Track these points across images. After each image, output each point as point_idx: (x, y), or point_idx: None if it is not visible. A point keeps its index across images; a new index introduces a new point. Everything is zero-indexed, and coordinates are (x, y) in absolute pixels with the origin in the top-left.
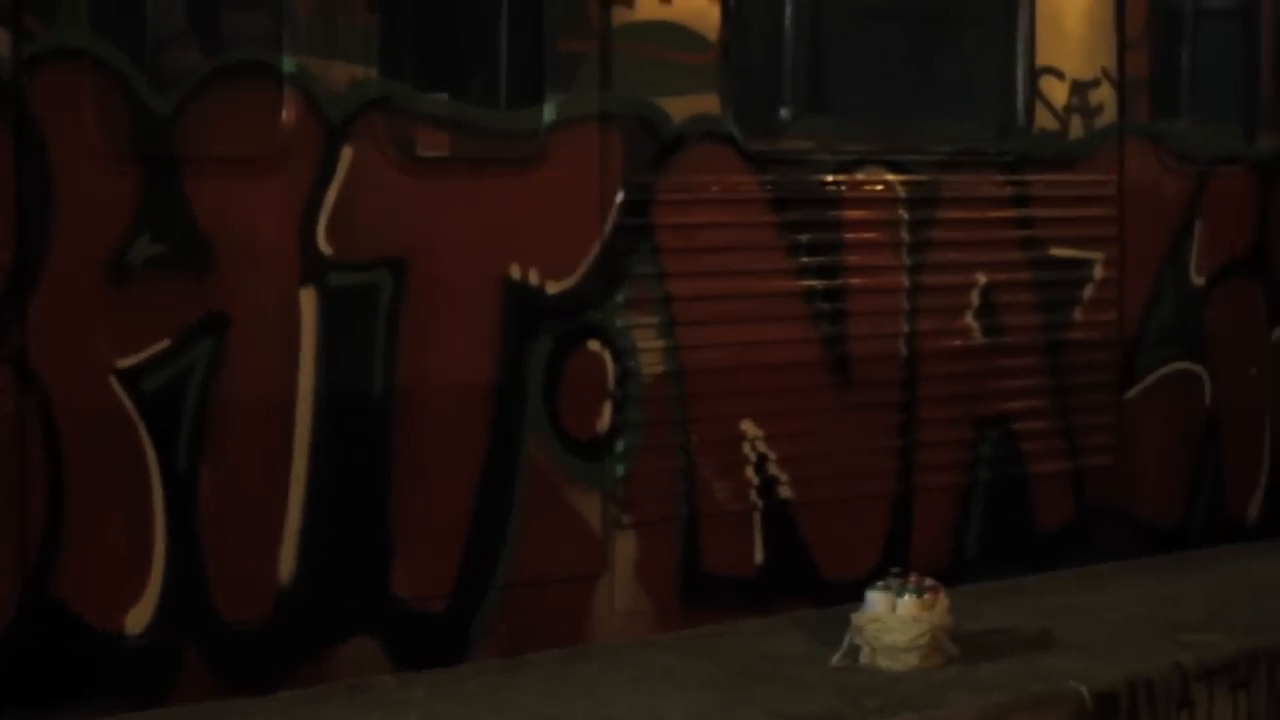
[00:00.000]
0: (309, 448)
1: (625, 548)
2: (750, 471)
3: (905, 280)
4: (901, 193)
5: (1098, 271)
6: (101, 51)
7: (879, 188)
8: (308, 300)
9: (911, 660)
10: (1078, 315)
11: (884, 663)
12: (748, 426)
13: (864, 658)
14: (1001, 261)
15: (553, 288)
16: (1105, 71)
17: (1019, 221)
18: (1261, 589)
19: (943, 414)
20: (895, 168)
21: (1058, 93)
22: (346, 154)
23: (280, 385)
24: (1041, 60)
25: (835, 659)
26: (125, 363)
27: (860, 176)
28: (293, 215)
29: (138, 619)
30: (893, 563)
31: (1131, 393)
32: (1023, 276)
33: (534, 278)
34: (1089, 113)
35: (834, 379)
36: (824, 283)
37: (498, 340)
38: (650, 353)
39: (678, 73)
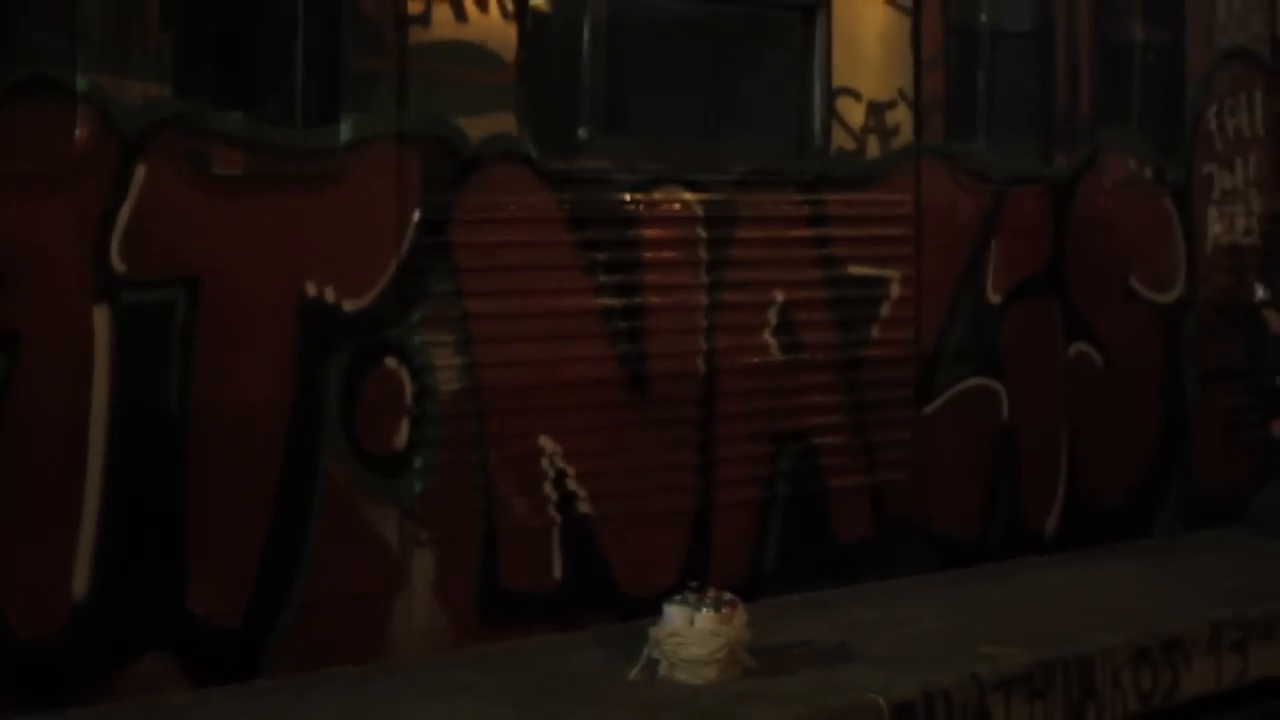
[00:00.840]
0: (103, 464)
1: (423, 564)
2: (549, 487)
3: (703, 298)
4: (699, 212)
5: (895, 289)
6: None
7: (676, 207)
8: (101, 317)
9: (709, 674)
10: (875, 332)
11: (682, 676)
12: (546, 443)
13: (662, 671)
14: (799, 280)
15: (349, 305)
16: (902, 92)
17: (816, 240)
18: (1058, 601)
19: (741, 430)
20: (693, 187)
21: (854, 113)
22: (140, 171)
23: (73, 402)
24: (838, 81)
25: (633, 673)
26: None
27: (658, 196)
28: (86, 232)
29: None
30: (692, 577)
31: (929, 408)
32: (820, 294)
33: (330, 295)
34: (886, 133)
35: (633, 396)
36: (622, 301)
37: (294, 357)
38: (448, 370)
39: (475, 92)
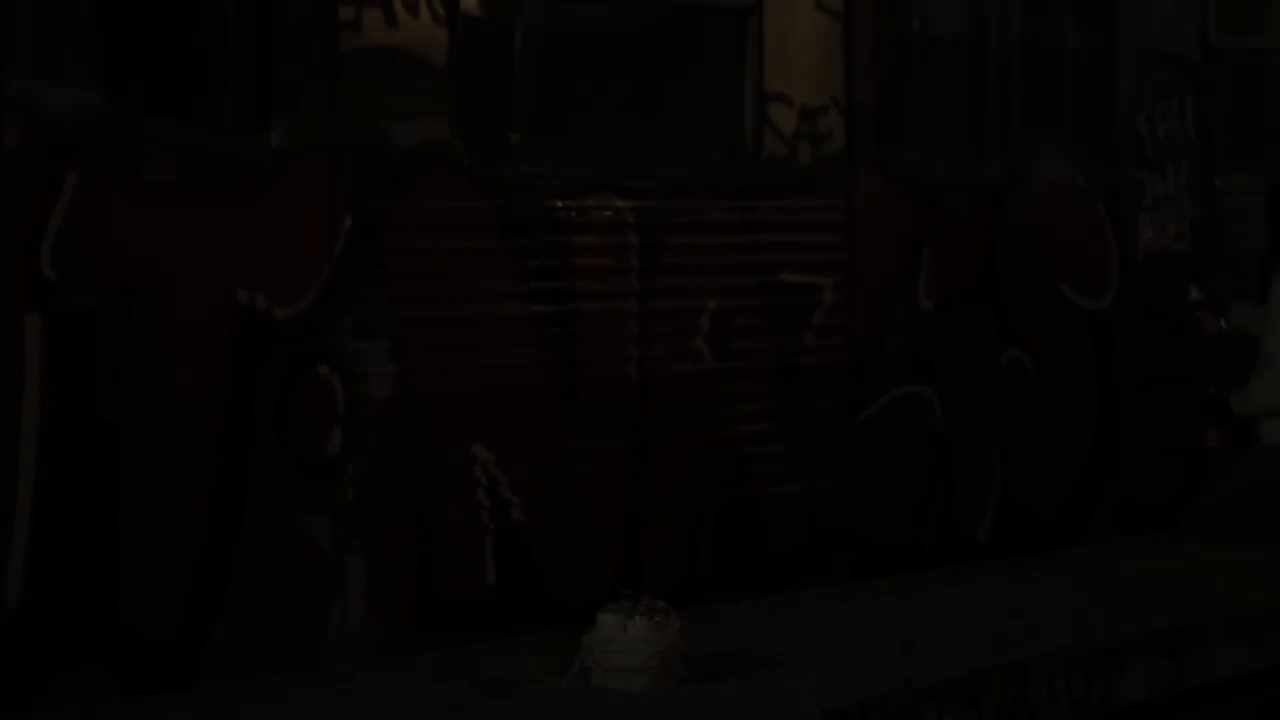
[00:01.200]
0: (34, 474)
1: (356, 571)
2: (482, 494)
3: (636, 305)
4: (631, 218)
5: (827, 296)
6: None
7: (608, 213)
8: (32, 326)
9: (642, 681)
10: (808, 339)
11: (615, 684)
12: (479, 450)
13: (595, 679)
14: (732, 286)
15: (282, 312)
16: (834, 98)
17: (749, 247)
18: (991, 608)
19: (674, 437)
20: (625, 193)
21: (786, 119)
22: (71, 178)
23: (4, 411)
24: (770, 87)
25: (566, 680)
26: None
27: (590, 202)
28: (15, 240)
29: None
30: (626, 585)
31: (862, 415)
32: (753, 301)
33: (262, 302)
34: (818, 139)
35: (565, 403)
36: (555, 307)
37: (226, 364)
38: (381, 377)
39: (406, 98)
